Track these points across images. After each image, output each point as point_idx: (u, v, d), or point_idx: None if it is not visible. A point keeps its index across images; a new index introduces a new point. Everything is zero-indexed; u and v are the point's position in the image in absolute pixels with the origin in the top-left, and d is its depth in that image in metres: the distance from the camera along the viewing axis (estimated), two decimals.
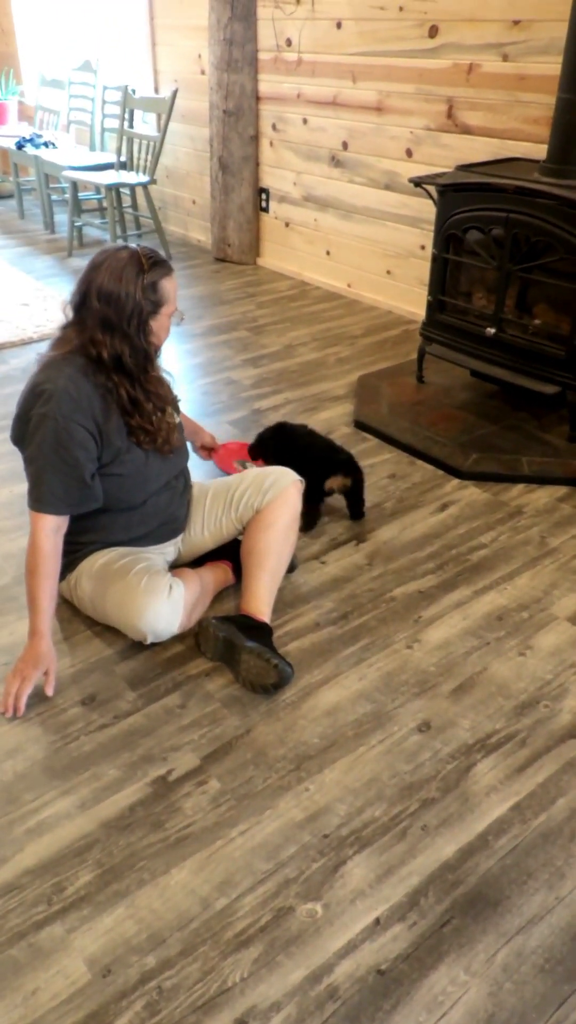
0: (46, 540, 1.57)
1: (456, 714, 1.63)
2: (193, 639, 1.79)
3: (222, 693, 1.68)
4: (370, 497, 2.37)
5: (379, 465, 2.56)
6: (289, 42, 3.87)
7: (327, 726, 1.60)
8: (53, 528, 1.58)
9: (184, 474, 1.85)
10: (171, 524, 1.83)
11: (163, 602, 1.64)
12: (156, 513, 1.77)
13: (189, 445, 2.04)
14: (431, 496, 2.38)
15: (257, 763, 1.52)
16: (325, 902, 1.28)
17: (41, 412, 1.53)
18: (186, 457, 1.86)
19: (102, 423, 1.57)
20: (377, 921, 1.25)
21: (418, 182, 2.76)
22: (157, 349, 1.66)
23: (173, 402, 1.75)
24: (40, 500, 1.56)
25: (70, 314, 1.60)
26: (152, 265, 1.54)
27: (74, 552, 1.76)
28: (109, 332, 1.54)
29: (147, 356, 1.61)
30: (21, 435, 1.62)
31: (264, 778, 1.49)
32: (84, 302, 1.55)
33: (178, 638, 1.80)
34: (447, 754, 1.54)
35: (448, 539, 2.18)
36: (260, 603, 1.74)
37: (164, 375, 1.72)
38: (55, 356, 1.58)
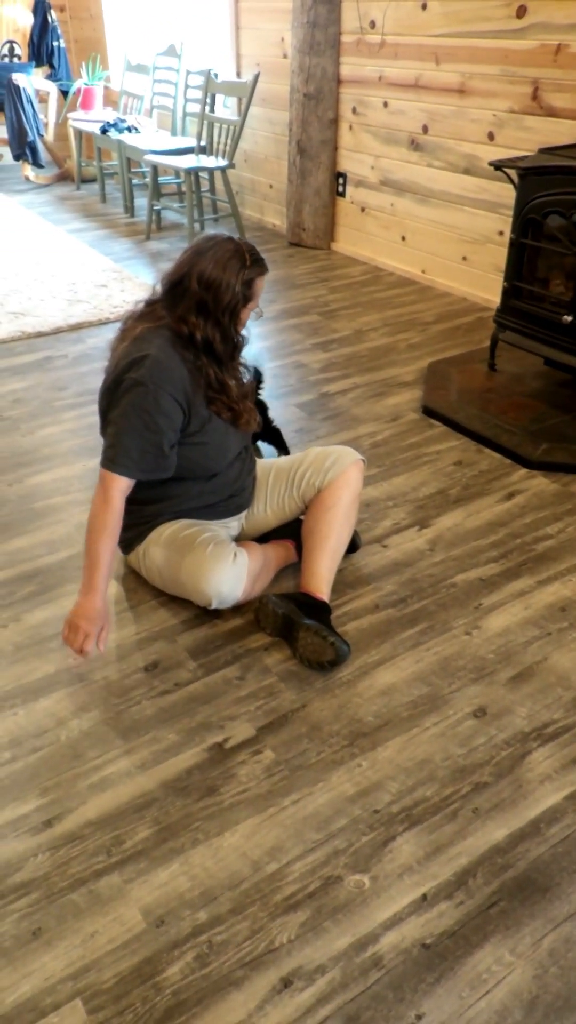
0: (113, 500, 1.59)
1: (513, 702, 1.62)
2: (253, 614, 1.83)
3: (279, 668, 1.71)
4: (435, 483, 2.36)
5: (445, 452, 2.54)
6: (373, 24, 3.83)
7: (382, 705, 1.62)
8: (121, 490, 1.60)
9: (249, 449, 1.89)
10: (238, 497, 1.87)
11: (228, 567, 1.68)
12: (227, 484, 1.81)
13: None
14: (497, 485, 2.36)
15: (311, 737, 1.55)
16: (373, 875, 1.30)
17: (132, 377, 1.57)
18: (251, 434, 1.90)
19: (191, 395, 1.63)
20: (424, 897, 1.27)
21: (498, 165, 2.71)
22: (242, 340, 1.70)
23: (251, 390, 1.80)
24: (114, 460, 1.59)
25: (159, 291, 1.64)
26: (253, 262, 1.59)
27: (144, 523, 1.82)
28: (204, 317, 1.59)
29: (236, 346, 1.67)
30: (109, 403, 1.66)
31: (318, 751, 1.52)
32: (182, 283, 1.59)
33: (239, 612, 1.85)
34: (502, 740, 1.54)
35: (513, 528, 2.16)
36: (320, 582, 1.77)
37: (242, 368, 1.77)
38: (145, 328, 1.63)
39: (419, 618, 1.85)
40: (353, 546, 1.99)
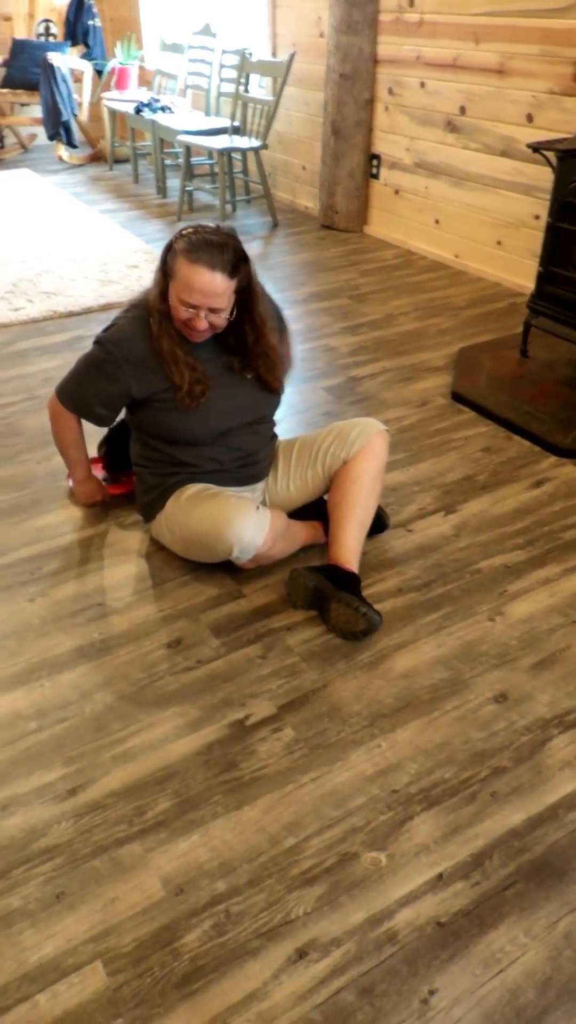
0: (61, 417, 1.91)
1: (535, 688, 1.62)
2: (278, 593, 1.84)
3: (301, 648, 1.72)
4: (462, 469, 2.35)
5: (473, 438, 2.52)
6: (411, 2, 3.77)
7: (402, 688, 1.63)
8: (64, 412, 1.89)
9: (268, 420, 1.93)
10: (252, 468, 1.88)
11: (251, 515, 1.70)
12: (230, 450, 1.84)
13: None
14: (526, 472, 2.34)
15: (331, 716, 1.56)
16: (389, 853, 1.31)
17: (99, 335, 1.79)
18: (273, 406, 1.91)
19: (147, 365, 1.73)
20: (440, 876, 1.28)
21: (536, 147, 2.67)
22: (177, 322, 1.70)
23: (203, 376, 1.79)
24: (60, 387, 1.88)
25: None
26: (187, 241, 1.61)
27: (161, 485, 1.85)
28: (155, 272, 1.72)
29: (165, 313, 1.69)
30: None
31: (337, 731, 1.53)
32: None
33: (261, 592, 1.86)
34: (522, 726, 1.54)
35: (540, 516, 2.14)
36: (348, 553, 1.78)
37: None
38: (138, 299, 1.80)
39: (442, 603, 1.85)
40: (381, 524, 1.99)
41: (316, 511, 2.01)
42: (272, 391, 1.87)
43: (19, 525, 2.09)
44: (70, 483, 2.17)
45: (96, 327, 3.32)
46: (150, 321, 1.71)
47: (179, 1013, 1.10)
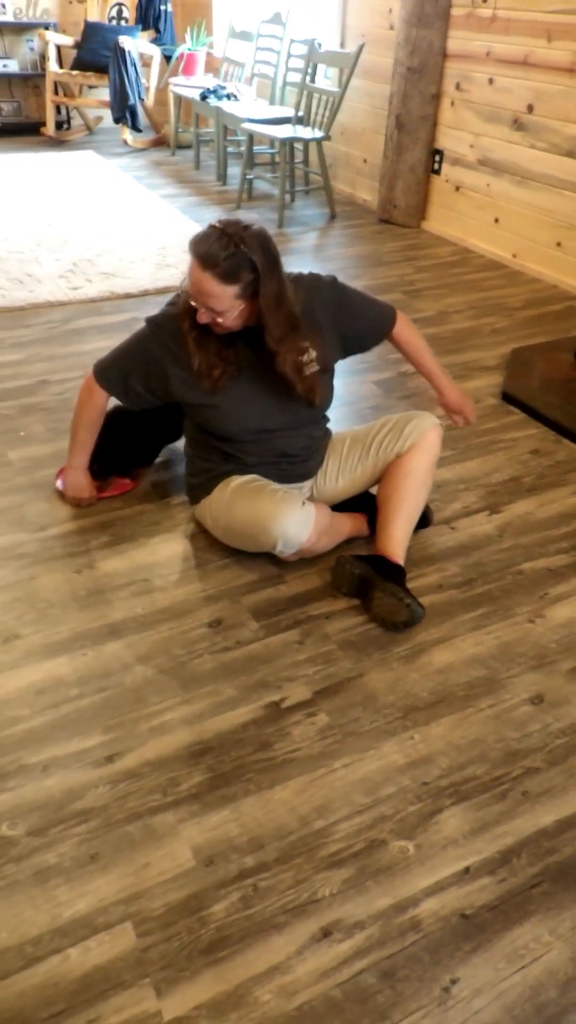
0: (95, 397, 1.91)
1: (572, 693, 1.61)
2: (318, 581, 1.86)
3: (339, 636, 1.74)
4: (509, 470, 2.34)
5: (522, 440, 2.51)
6: None
7: (438, 683, 1.63)
8: (99, 391, 1.89)
9: (313, 426, 1.87)
10: (298, 466, 1.89)
11: (297, 510, 1.71)
12: (273, 450, 1.84)
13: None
14: (574, 476, 2.32)
15: (366, 706, 1.58)
16: (417, 843, 1.32)
17: (149, 317, 1.80)
18: (312, 418, 1.86)
19: (181, 356, 1.73)
20: (467, 870, 1.28)
21: None
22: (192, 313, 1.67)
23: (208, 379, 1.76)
24: (99, 365, 1.89)
25: None
26: (200, 232, 1.58)
27: (210, 471, 1.87)
28: None
29: (184, 299, 1.68)
30: None
31: (371, 720, 1.54)
32: None
33: (302, 579, 1.88)
34: (558, 729, 1.53)
35: None
36: (396, 546, 1.79)
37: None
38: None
39: (482, 601, 1.85)
40: (425, 520, 2.00)
41: (360, 503, 2.02)
42: (306, 404, 1.79)
43: None
44: (58, 483, 2.13)
45: (151, 309, 3.34)
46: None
47: (204, 978, 1.13)
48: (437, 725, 1.54)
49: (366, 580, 1.75)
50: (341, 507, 2.01)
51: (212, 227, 1.57)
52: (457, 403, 1.97)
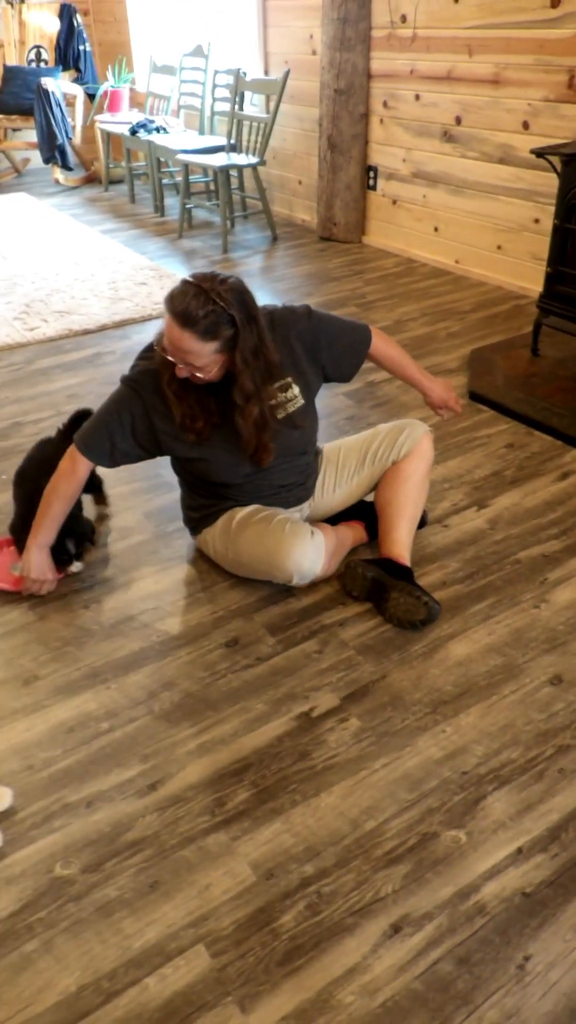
0: (79, 470, 1.80)
1: None
2: (325, 590, 1.89)
3: (356, 642, 1.77)
4: (489, 465, 2.41)
5: (496, 436, 2.59)
6: (404, 18, 3.88)
7: (459, 675, 1.67)
8: (85, 463, 1.80)
9: (301, 454, 1.87)
10: (298, 490, 1.92)
11: (308, 543, 1.74)
12: (268, 485, 1.85)
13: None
14: (551, 465, 2.40)
15: (394, 705, 1.61)
16: (468, 831, 1.35)
17: (125, 375, 1.77)
18: (308, 434, 1.87)
19: (159, 395, 1.70)
20: (520, 850, 1.32)
21: (541, 152, 2.75)
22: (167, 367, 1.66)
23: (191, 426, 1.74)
24: (80, 436, 1.80)
25: None
26: (177, 288, 1.55)
27: (212, 507, 1.89)
28: None
29: (160, 355, 1.64)
30: None
31: (402, 719, 1.58)
32: None
33: (310, 591, 1.91)
34: None
35: (571, 506, 2.20)
36: (401, 548, 1.83)
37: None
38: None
39: (487, 593, 1.90)
40: (420, 523, 2.05)
41: (355, 511, 2.06)
42: (259, 461, 1.77)
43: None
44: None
45: (113, 343, 3.38)
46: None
47: (285, 989, 1.14)
48: (466, 715, 1.58)
49: (379, 582, 1.79)
50: (336, 516, 2.05)
51: (187, 283, 1.54)
52: (442, 398, 2.02)
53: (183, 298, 1.52)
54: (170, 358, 1.61)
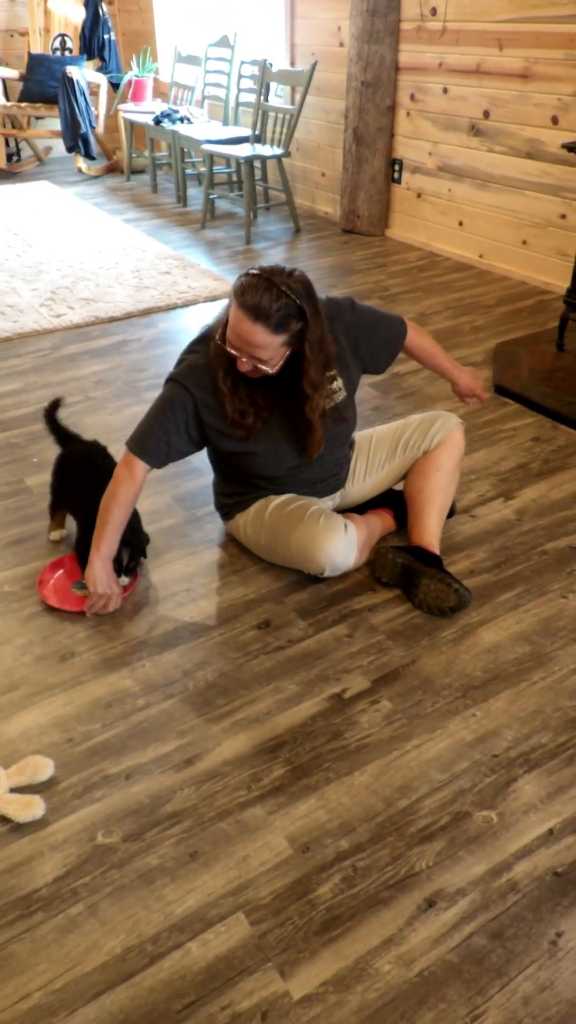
0: (136, 474, 1.76)
1: None
2: (355, 576, 1.92)
3: (386, 627, 1.80)
4: (515, 458, 2.43)
5: (522, 429, 2.60)
6: (434, 11, 3.88)
7: (488, 662, 1.70)
8: (141, 467, 1.76)
9: (347, 442, 1.92)
10: (334, 480, 1.95)
11: (341, 538, 1.77)
12: (307, 478, 1.88)
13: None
14: None
15: (425, 689, 1.63)
16: (500, 811, 1.38)
17: (171, 373, 1.76)
18: (351, 426, 1.91)
19: (208, 390, 1.70)
20: (551, 831, 1.35)
21: (572, 147, 2.76)
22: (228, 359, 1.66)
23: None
24: (132, 440, 1.77)
25: None
26: (243, 282, 1.54)
27: (246, 494, 1.91)
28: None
29: (219, 349, 1.65)
30: None
31: (432, 702, 1.60)
32: None
33: (338, 577, 1.93)
34: None
35: None
36: (431, 536, 1.86)
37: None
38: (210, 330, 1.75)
39: (515, 583, 1.92)
40: (449, 513, 2.07)
41: (382, 498, 2.08)
42: (308, 455, 1.79)
43: None
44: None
45: (138, 331, 3.41)
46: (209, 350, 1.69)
47: (323, 957, 1.17)
48: (496, 700, 1.60)
49: (409, 569, 1.81)
50: (365, 504, 2.07)
51: (256, 276, 1.53)
52: (469, 387, 2.04)
53: (255, 292, 1.51)
54: (234, 352, 1.60)
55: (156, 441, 1.75)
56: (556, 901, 1.24)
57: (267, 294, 1.51)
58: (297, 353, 1.63)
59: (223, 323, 1.65)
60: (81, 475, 1.96)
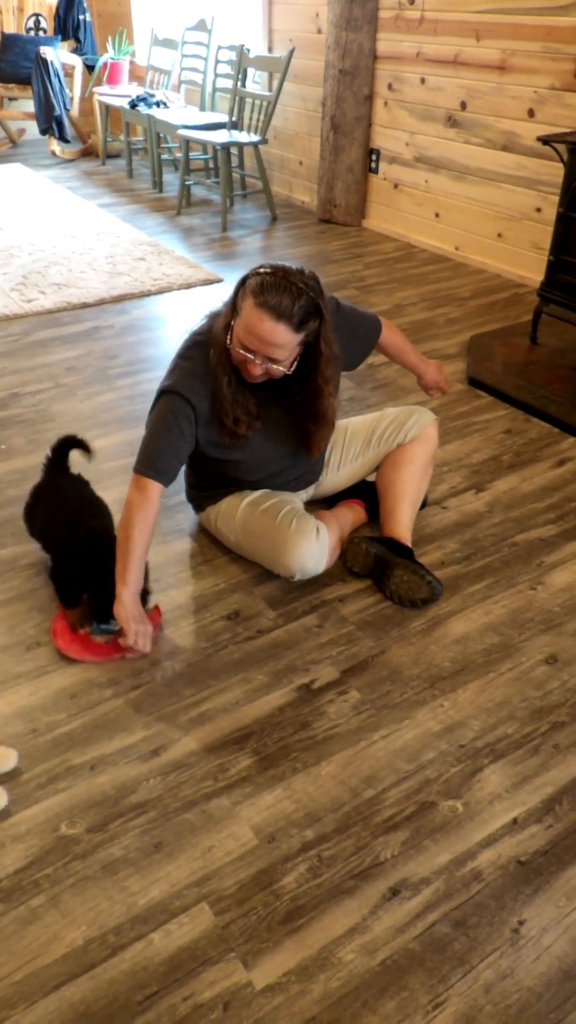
0: (151, 497, 1.64)
1: None
2: (341, 558, 1.91)
3: (355, 617, 1.80)
4: (487, 450, 2.44)
5: (494, 421, 2.61)
6: (412, 0, 3.86)
7: (457, 652, 1.70)
8: (156, 488, 1.66)
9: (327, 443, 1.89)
10: (308, 476, 1.94)
11: (312, 543, 1.75)
12: (283, 481, 1.87)
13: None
14: (548, 452, 2.43)
15: (393, 680, 1.64)
16: (465, 801, 1.39)
17: (163, 385, 1.66)
18: (317, 466, 1.93)
19: (206, 397, 1.65)
20: (515, 821, 1.36)
21: (547, 140, 2.76)
22: (235, 361, 1.62)
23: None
24: (141, 463, 1.66)
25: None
26: (260, 281, 1.50)
27: (218, 488, 1.90)
28: (227, 302, 1.63)
29: (225, 347, 1.60)
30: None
31: (401, 693, 1.60)
32: None
33: None
34: (575, 685, 1.62)
35: (568, 492, 2.24)
36: (403, 529, 1.86)
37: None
38: (197, 334, 1.69)
39: (485, 574, 1.93)
40: (421, 504, 2.07)
41: (354, 489, 2.08)
42: (308, 454, 1.81)
43: None
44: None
45: (111, 317, 3.37)
46: (207, 355, 1.63)
47: (287, 946, 1.17)
48: (463, 691, 1.61)
49: (382, 560, 1.81)
50: (336, 495, 2.06)
51: (272, 275, 1.49)
52: (435, 380, 2.05)
53: (275, 291, 1.47)
54: (247, 355, 1.56)
55: (168, 459, 1.66)
56: (519, 889, 1.25)
57: (287, 292, 1.48)
58: (310, 351, 1.61)
59: (225, 327, 1.59)
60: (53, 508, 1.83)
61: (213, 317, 1.69)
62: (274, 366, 1.58)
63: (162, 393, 1.66)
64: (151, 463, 1.65)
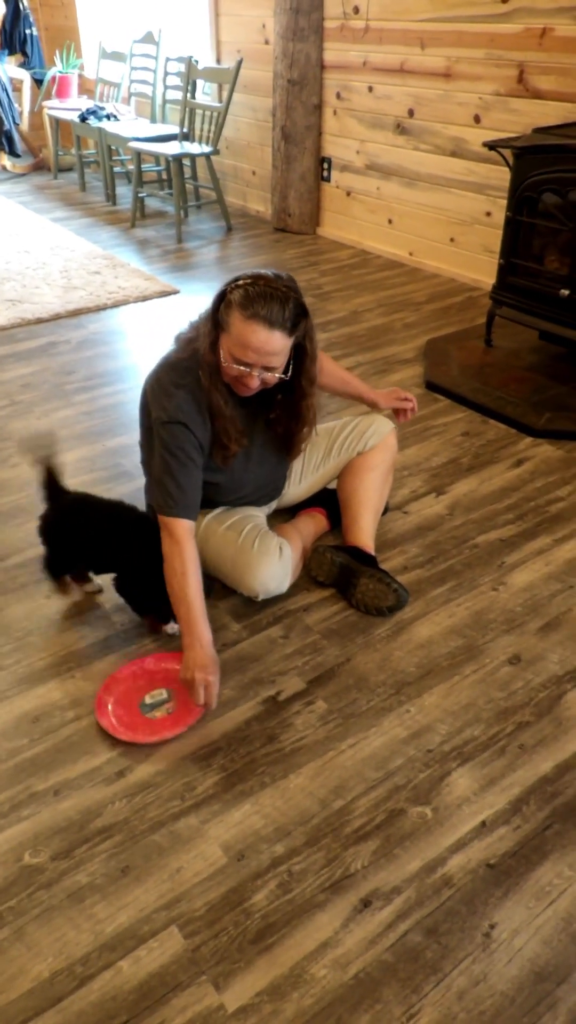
0: (183, 541, 1.56)
1: (545, 649, 1.72)
2: (305, 568, 1.90)
3: (320, 626, 1.79)
4: (446, 453, 2.46)
5: (452, 424, 2.63)
6: (356, 9, 3.90)
7: (422, 657, 1.71)
8: (187, 529, 1.59)
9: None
10: (270, 493, 1.93)
11: (275, 563, 1.74)
12: (248, 499, 1.86)
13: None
14: (506, 453, 2.46)
15: (359, 687, 1.63)
16: (434, 806, 1.39)
17: (160, 417, 1.60)
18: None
19: (204, 425, 1.62)
20: (484, 824, 1.36)
21: (493, 145, 2.80)
22: (228, 378, 1.59)
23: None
24: (166, 504, 1.58)
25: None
26: (243, 293, 1.47)
27: None
28: (204, 320, 1.59)
29: (216, 367, 1.57)
30: (146, 440, 1.75)
31: (367, 700, 1.60)
32: None
33: None
34: (538, 684, 1.64)
35: (526, 492, 2.26)
36: (367, 537, 1.86)
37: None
38: (179, 358, 1.64)
39: (447, 577, 1.94)
40: (383, 510, 2.08)
41: (318, 497, 2.07)
42: (290, 456, 1.84)
43: (23, 526, 2.09)
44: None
45: (67, 332, 3.33)
46: (198, 378, 1.59)
47: (258, 966, 1.15)
48: (429, 695, 1.61)
49: (347, 568, 1.81)
50: (299, 503, 2.06)
51: (255, 285, 1.47)
52: (390, 401, 2.01)
53: (265, 301, 1.46)
54: (245, 369, 1.53)
55: (192, 493, 1.60)
56: (489, 892, 1.25)
57: (275, 299, 1.47)
58: (299, 351, 1.60)
59: (211, 346, 1.55)
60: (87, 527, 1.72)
61: (188, 340, 1.63)
62: (269, 374, 1.56)
63: (163, 425, 1.59)
64: (176, 501, 1.57)
